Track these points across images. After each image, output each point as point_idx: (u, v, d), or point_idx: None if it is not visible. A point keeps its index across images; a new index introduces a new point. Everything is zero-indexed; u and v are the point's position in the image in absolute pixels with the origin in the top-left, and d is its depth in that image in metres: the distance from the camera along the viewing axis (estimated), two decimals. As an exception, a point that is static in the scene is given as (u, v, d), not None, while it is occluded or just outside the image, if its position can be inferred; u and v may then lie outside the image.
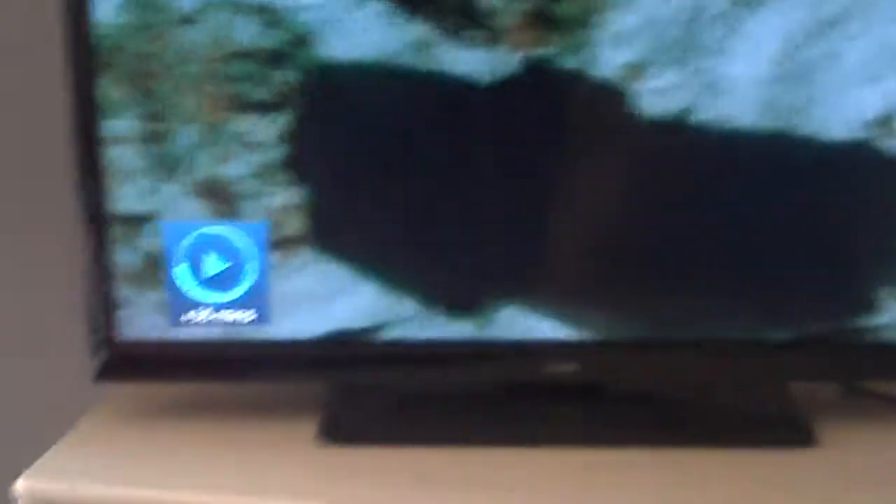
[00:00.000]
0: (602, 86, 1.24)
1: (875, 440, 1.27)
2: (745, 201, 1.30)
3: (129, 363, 1.33)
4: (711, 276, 1.32)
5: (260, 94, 1.23)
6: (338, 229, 1.31)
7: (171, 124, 1.23)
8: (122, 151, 1.26)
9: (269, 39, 1.23)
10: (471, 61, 1.37)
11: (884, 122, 1.26)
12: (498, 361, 1.33)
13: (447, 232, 1.30)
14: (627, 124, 1.26)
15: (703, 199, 1.31)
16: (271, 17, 1.24)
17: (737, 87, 1.28)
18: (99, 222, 1.28)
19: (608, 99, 1.24)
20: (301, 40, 1.24)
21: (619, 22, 1.32)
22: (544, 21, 1.34)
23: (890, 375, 1.37)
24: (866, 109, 1.27)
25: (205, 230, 1.25)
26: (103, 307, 1.29)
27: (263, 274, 1.27)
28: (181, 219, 1.25)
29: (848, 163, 1.27)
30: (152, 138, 1.24)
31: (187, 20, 1.23)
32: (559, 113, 1.26)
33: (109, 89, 1.24)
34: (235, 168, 1.25)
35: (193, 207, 1.26)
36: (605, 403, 1.37)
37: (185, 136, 1.23)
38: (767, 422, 1.33)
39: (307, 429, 1.34)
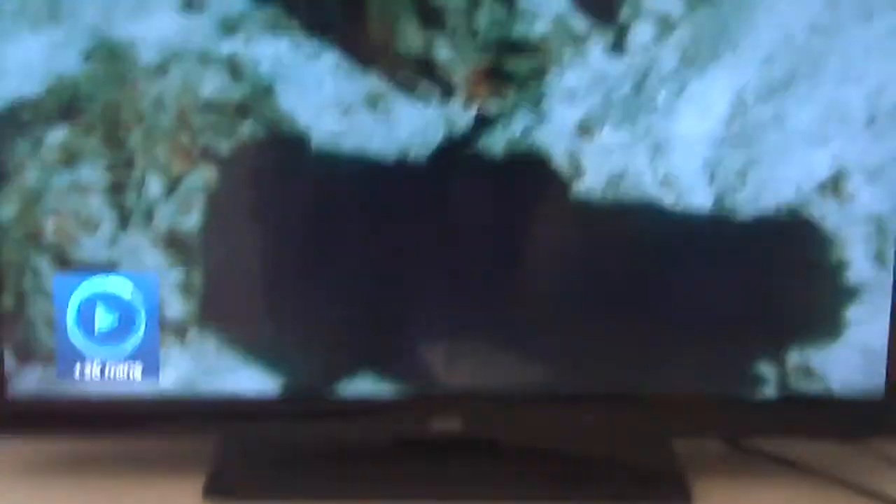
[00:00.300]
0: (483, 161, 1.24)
1: (753, 498, 1.29)
2: (633, 266, 1.31)
3: (16, 417, 1.31)
4: (597, 330, 1.32)
5: (225, 145, 1.23)
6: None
7: (139, 174, 1.22)
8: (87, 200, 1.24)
9: (234, 91, 1.22)
10: (423, 116, 1.38)
11: (833, 183, 1.28)
12: (385, 416, 1.32)
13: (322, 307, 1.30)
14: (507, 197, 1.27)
15: (591, 261, 1.31)
16: (235, 70, 1.23)
17: (685, 146, 1.28)
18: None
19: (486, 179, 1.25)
20: (264, 92, 1.24)
21: (569, 79, 1.34)
22: (497, 76, 1.35)
23: (772, 432, 1.38)
24: (814, 171, 1.27)
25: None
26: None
27: (153, 328, 1.27)
28: (143, 269, 1.25)
29: (733, 238, 1.29)
30: (117, 188, 1.22)
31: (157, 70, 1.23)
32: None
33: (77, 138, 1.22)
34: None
35: (155, 258, 1.25)
36: (490, 458, 1.37)
37: (152, 185, 1.23)
38: (647, 478, 1.36)
39: (195, 485, 1.34)
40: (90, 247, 1.19)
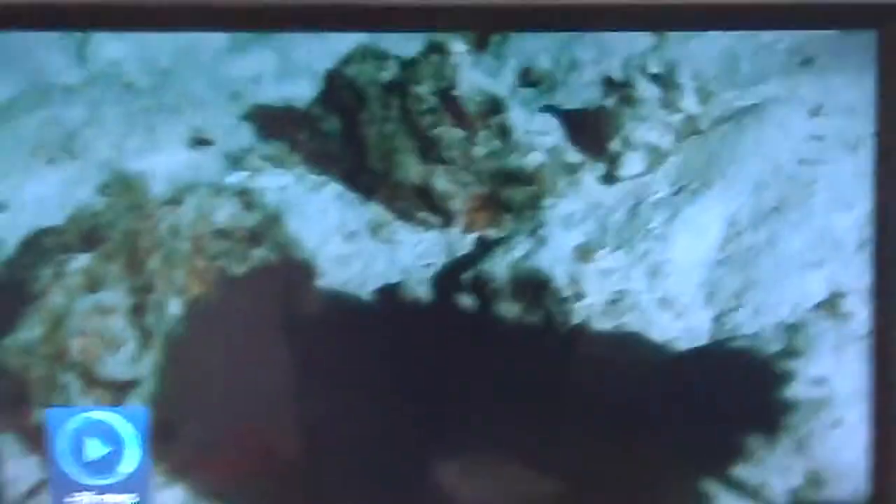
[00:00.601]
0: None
1: None
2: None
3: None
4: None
5: (240, 269, 1.26)
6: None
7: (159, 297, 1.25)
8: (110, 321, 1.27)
9: (246, 219, 1.26)
10: (424, 241, 1.42)
11: (829, 304, 1.31)
12: None
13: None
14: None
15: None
16: (246, 199, 1.28)
17: (681, 269, 1.32)
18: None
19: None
20: (274, 219, 1.28)
21: (564, 207, 1.38)
22: (495, 205, 1.40)
23: None
24: (808, 294, 1.29)
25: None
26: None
27: (144, 459, 1.28)
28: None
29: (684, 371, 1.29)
30: (139, 310, 1.25)
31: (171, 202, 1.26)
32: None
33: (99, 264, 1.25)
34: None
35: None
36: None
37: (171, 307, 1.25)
38: None
39: None
40: (115, 365, 1.21)
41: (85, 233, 1.24)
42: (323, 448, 1.27)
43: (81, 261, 1.21)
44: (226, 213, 1.23)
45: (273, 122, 1.52)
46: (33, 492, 1.22)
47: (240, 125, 1.51)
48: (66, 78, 1.55)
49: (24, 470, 1.23)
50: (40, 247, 1.25)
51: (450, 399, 1.28)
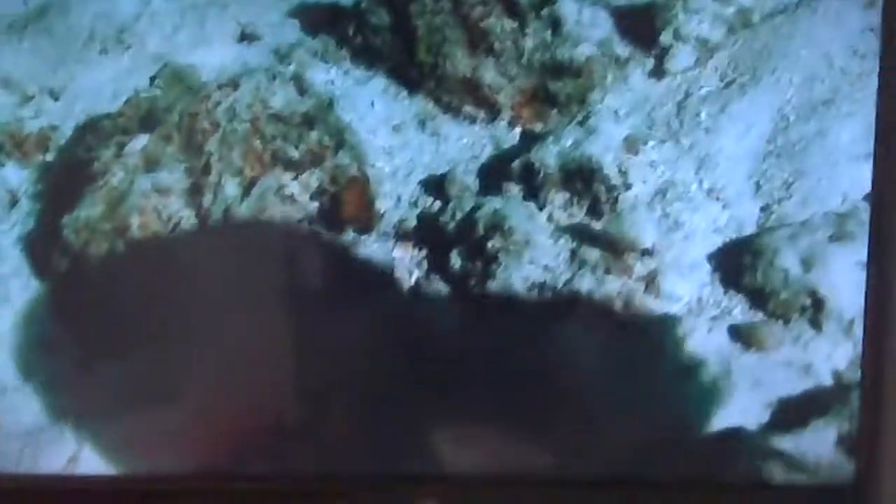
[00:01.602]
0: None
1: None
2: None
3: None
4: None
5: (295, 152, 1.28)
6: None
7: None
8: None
9: (301, 104, 1.28)
10: (470, 134, 1.43)
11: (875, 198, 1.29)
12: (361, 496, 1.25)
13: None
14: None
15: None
16: (301, 85, 1.30)
17: (729, 160, 1.32)
18: None
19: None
20: (327, 105, 1.29)
21: (613, 100, 1.39)
22: (542, 98, 1.40)
23: None
24: (858, 185, 1.27)
25: None
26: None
27: None
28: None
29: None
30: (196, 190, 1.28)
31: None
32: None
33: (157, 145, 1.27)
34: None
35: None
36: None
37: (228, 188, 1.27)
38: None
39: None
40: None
41: (142, 116, 1.25)
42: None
43: (140, 142, 1.22)
44: (281, 97, 1.23)
45: (320, 19, 1.52)
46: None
47: (286, 22, 1.52)
48: None
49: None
50: (98, 131, 1.26)
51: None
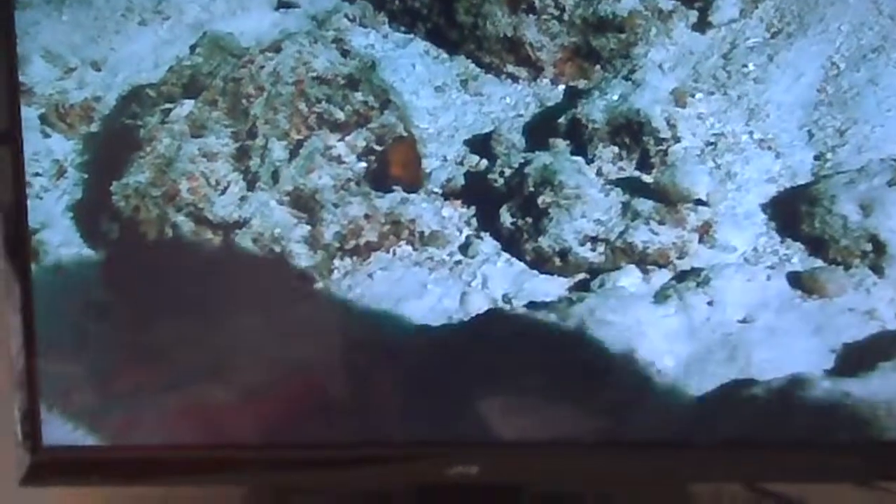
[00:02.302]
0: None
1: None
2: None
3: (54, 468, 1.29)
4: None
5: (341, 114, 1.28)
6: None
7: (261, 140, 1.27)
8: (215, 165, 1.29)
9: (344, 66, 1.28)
10: (514, 93, 1.42)
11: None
12: (403, 463, 1.24)
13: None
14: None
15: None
16: (343, 47, 1.30)
17: (779, 110, 1.31)
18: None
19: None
20: (370, 67, 1.29)
21: (657, 54, 1.37)
22: (585, 55, 1.39)
23: (791, 477, 1.27)
24: None
25: None
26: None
27: None
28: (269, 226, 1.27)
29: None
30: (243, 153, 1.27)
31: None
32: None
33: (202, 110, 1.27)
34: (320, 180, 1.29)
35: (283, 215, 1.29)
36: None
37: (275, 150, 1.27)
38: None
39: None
40: (222, 205, 1.24)
41: (186, 83, 1.25)
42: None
43: (186, 108, 1.22)
44: (323, 60, 1.23)
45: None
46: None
47: (323, -13, 1.52)
48: None
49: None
50: (142, 99, 1.26)
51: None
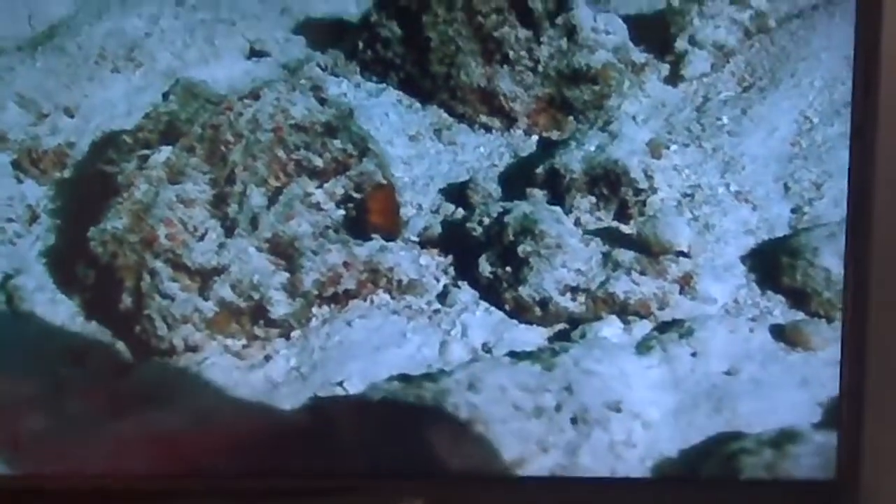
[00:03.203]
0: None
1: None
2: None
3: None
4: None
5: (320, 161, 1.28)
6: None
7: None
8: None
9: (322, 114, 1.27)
10: (487, 143, 1.43)
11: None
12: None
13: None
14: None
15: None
16: (320, 95, 1.30)
17: (754, 164, 1.32)
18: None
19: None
20: (347, 114, 1.29)
21: (630, 106, 1.39)
22: (559, 106, 1.40)
23: None
24: None
25: None
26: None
27: None
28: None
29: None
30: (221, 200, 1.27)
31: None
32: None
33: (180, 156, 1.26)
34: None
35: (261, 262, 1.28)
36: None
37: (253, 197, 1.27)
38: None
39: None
40: (201, 251, 1.22)
41: (162, 130, 1.25)
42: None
43: (163, 154, 1.21)
44: (301, 108, 1.23)
45: (326, 34, 1.52)
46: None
47: (293, 38, 1.53)
48: None
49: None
50: (118, 145, 1.26)
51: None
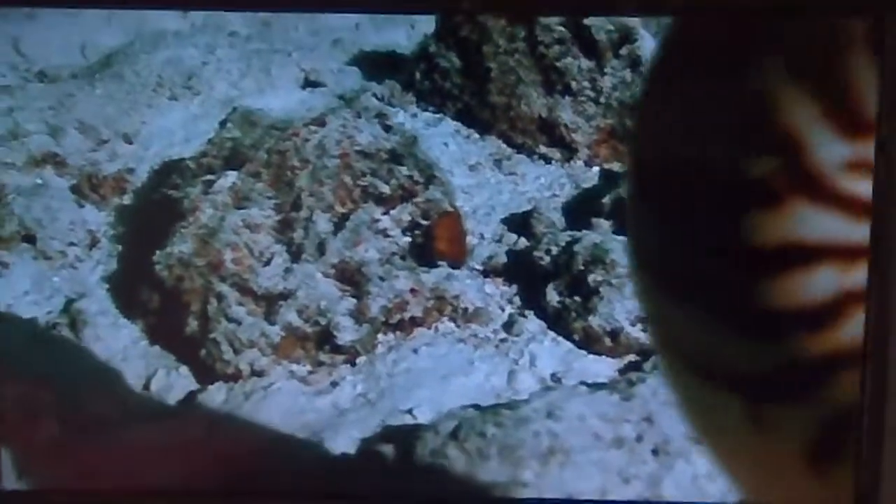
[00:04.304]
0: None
1: None
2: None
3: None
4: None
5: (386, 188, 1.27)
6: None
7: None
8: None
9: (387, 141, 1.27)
10: (547, 174, 1.42)
11: None
12: None
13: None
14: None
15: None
16: (385, 122, 1.29)
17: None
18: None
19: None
20: (412, 141, 1.29)
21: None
22: (621, 137, 1.39)
23: None
24: None
25: None
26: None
27: None
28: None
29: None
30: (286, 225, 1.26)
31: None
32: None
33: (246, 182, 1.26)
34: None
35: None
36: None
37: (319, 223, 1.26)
38: None
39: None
40: (267, 276, 1.22)
41: (226, 156, 1.25)
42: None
43: (229, 179, 1.21)
44: (367, 134, 1.23)
45: (381, 65, 1.53)
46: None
47: (347, 69, 1.53)
48: (172, 26, 1.58)
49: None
50: (182, 171, 1.26)
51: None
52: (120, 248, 1.31)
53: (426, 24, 1.48)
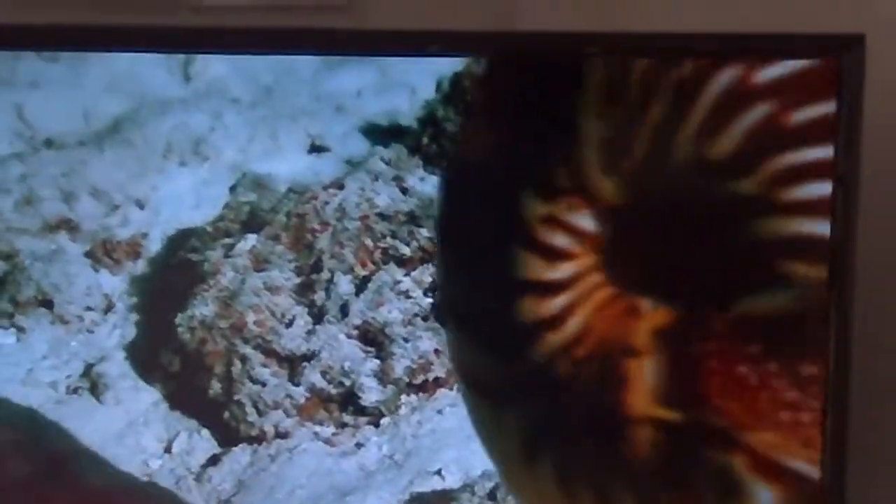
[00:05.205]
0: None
1: None
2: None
3: None
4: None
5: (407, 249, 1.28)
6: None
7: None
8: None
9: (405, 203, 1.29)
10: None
11: None
12: None
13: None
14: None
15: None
16: (402, 184, 1.31)
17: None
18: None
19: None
20: (429, 204, 1.30)
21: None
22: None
23: None
24: None
25: None
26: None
27: None
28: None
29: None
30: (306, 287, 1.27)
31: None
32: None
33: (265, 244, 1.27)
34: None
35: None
36: None
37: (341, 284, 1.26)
38: None
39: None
40: (290, 337, 1.22)
41: (245, 219, 1.25)
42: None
43: (248, 242, 1.22)
44: (385, 197, 1.24)
45: (384, 131, 1.54)
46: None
47: (352, 133, 1.54)
48: (174, 93, 1.60)
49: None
50: (200, 234, 1.28)
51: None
52: (138, 311, 1.31)
53: (426, 90, 1.49)
